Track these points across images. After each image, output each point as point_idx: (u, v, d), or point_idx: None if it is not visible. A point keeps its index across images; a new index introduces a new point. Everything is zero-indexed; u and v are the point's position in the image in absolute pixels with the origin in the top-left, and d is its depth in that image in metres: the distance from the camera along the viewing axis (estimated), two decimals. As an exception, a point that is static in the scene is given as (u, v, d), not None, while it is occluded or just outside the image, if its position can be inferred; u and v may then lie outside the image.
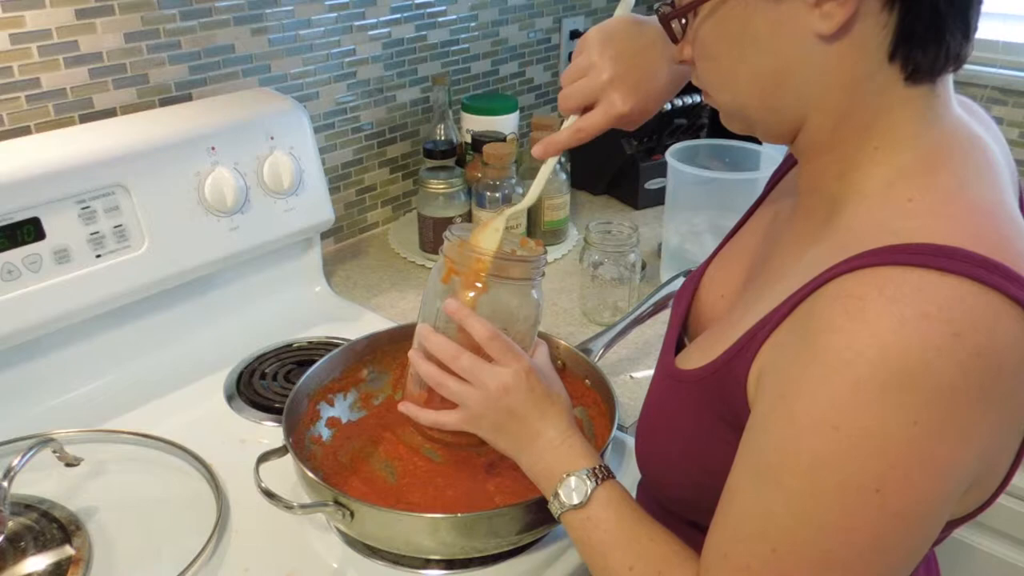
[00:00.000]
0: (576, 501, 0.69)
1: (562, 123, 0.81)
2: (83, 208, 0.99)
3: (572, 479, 0.69)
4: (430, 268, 1.36)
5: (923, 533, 0.53)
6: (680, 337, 0.76)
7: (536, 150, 0.82)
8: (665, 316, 1.04)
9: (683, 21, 0.62)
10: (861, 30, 0.54)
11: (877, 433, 0.49)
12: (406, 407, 0.81)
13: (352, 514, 0.77)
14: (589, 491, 0.68)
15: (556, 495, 0.70)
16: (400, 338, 1.02)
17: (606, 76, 0.76)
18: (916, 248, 0.51)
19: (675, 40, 0.64)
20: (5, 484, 0.78)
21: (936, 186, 0.56)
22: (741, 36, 0.58)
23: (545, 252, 0.83)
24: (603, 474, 0.70)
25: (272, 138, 1.14)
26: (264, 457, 0.83)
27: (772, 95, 0.60)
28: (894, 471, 0.50)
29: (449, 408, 0.77)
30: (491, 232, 0.79)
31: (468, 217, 1.36)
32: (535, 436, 0.73)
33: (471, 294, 0.78)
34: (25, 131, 1.05)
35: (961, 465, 0.51)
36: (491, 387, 0.73)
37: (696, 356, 0.67)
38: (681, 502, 0.71)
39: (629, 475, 0.94)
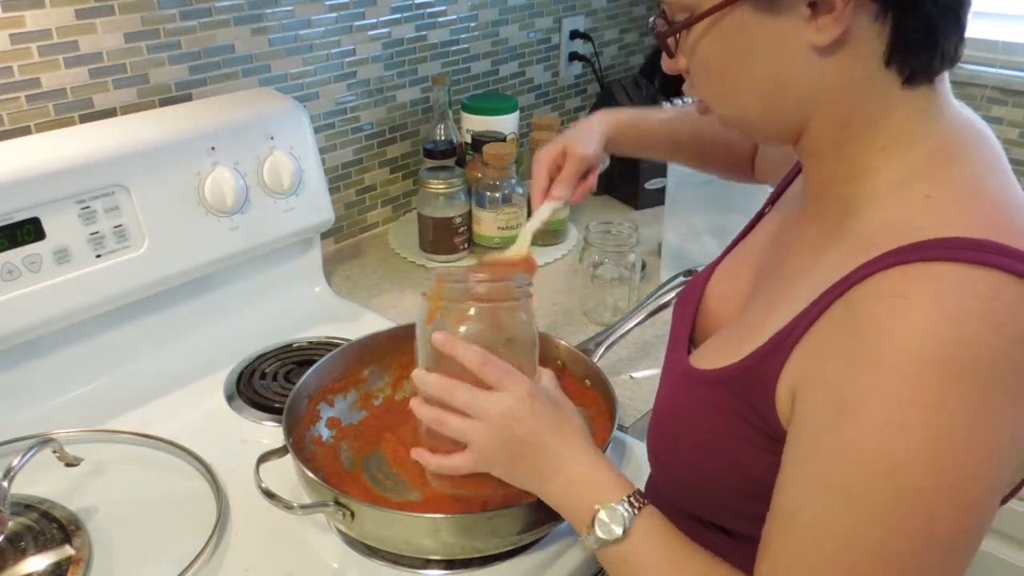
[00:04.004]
0: (615, 536, 0.64)
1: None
2: (83, 208, 0.99)
3: (605, 511, 0.65)
4: (431, 268, 1.37)
5: (988, 520, 0.54)
6: (688, 338, 0.76)
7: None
8: (665, 316, 1.04)
9: (677, 36, 0.63)
10: (856, 41, 0.55)
11: (944, 429, 0.50)
12: (417, 453, 0.76)
13: (352, 514, 0.77)
14: (628, 523, 0.64)
15: (591, 530, 0.65)
16: (400, 338, 1.02)
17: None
18: (945, 243, 0.52)
19: (671, 55, 0.64)
20: (5, 484, 0.78)
21: (952, 180, 0.56)
22: (739, 51, 0.59)
23: (531, 276, 0.82)
24: (640, 502, 0.66)
25: (272, 138, 1.14)
26: (264, 457, 0.83)
27: (772, 105, 0.60)
28: (965, 464, 0.50)
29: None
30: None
31: (468, 217, 1.36)
32: (557, 465, 0.69)
33: (462, 328, 0.74)
34: (25, 131, 1.05)
35: (1015, 450, 0.52)
36: (494, 415, 0.69)
37: (714, 356, 0.67)
38: (696, 501, 0.71)
39: (629, 475, 0.94)
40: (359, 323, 1.21)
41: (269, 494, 0.78)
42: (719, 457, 0.65)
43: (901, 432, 0.50)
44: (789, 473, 0.56)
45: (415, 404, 0.75)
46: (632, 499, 0.66)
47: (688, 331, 0.76)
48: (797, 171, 0.77)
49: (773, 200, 0.80)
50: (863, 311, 0.53)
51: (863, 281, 0.53)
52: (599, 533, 0.65)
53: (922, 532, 0.51)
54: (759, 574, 0.58)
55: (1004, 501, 0.60)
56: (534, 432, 0.69)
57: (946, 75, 0.59)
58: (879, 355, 0.51)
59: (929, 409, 0.50)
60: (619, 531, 0.64)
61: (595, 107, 1.64)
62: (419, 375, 0.75)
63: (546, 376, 0.78)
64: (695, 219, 1.31)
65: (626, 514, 0.65)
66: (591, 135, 0.98)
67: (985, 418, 0.50)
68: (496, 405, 0.70)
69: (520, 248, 0.93)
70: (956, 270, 0.50)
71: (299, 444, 0.88)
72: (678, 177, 1.28)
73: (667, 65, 0.65)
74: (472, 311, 0.75)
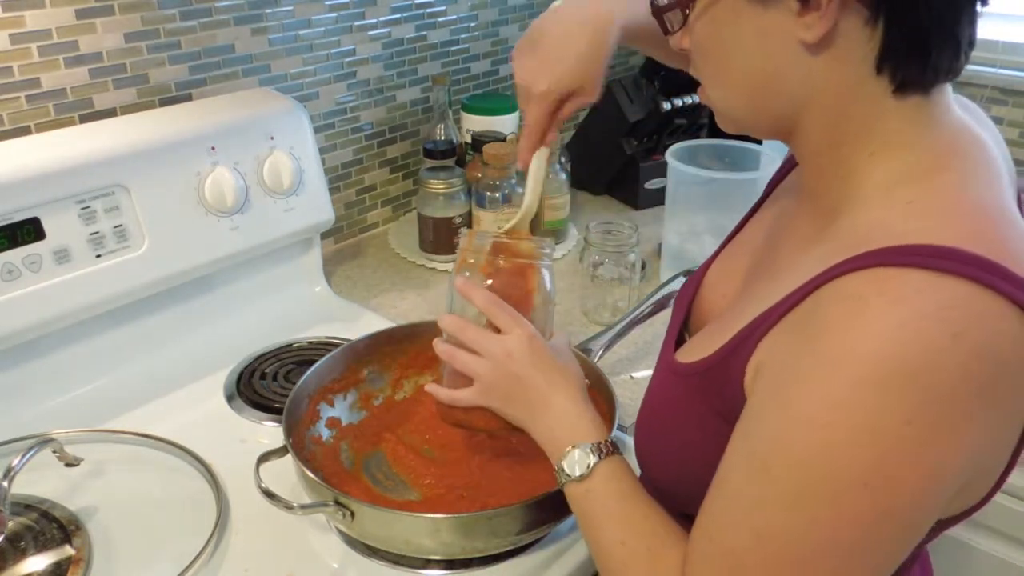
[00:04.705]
0: (578, 473, 0.69)
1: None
2: (83, 208, 0.99)
3: (576, 451, 0.70)
4: (430, 268, 1.37)
5: (910, 531, 0.54)
6: (681, 334, 0.77)
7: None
8: (665, 316, 1.05)
9: (686, 12, 0.63)
10: (845, 43, 0.55)
11: (868, 430, 0.50)
12: (430, 387, 0.83)
13: (352, 514, 0.77)
14: (592, 464, 0.69)
15: (560, 465, 0.71)
16: (400, 338, 1.02)
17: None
18: (915, 249, 0.51)
19: (666, 32, 0.65)
20: (5, 484, 0.78)
21: (936, 188, 0.56)
22: (731, 38, 0.60)
23: (552, 247, 0.85)
24: (608, 449, 0.70)
25: (272, 138, 1.14)
26: (264, 457, 0.83)
27: (761, 96, 0.61)
28: (883, 468, 0.50)
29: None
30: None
31: (468, 217, 1.36)
32: (545, 405, 0.74)
33: (488, 282, 0.81)
34: (25, 131, 1.05)
35: (953, 465, 0.51)
36: (496, 353, 0.75)
37: (695, 350, 0.68)
38: (678, 495, 0.71)
39: (629, 475, 0.94)
40: (359, 323, 1.21)
41: (269, 494, 0.78)
42: (699, 453, 0.65)
43: (825, 427, 0.50)
44: (731, 441, 0.59)
45: (436, 342, 0.82)
46: (603, 445, 0.71)
47: (678, 328, 0.77)
48: (792, 165, 0.77)
49: (767, 194, 0.80)
50: (823, 309, 0.53)
51: (832, 280, 0.54)
52: (566, 469, 0.70)
53: (826, 523, 0.52)
54: (695, 526, 0.61)
55: (981, 504, 0.60)
56: (528, 372, 0.75)
57: (947, 87, 0.58)
58: (826, 352, 0.51)
59: (859, 410, 0.50)
60: (583, 470, 0.69)
61: (595, 108, 1.64)
62: (441, 317, 0.81)
63: (559, 337, 0.84)
64: (695, 219, 1.31)
65: (593, 456, 0.70)
66: (593, 67, 0.78)
67: (923, 429, 0.49)
68: (498, 344, 0.76)
69: (523, 230, 0.86)
70: (921, 276, 0.50)
71: (299, 444, 0.88)
72: (678, 177, 1.28)
73: (672, 40, 0.66)
74: (496, 265, 0.82)
